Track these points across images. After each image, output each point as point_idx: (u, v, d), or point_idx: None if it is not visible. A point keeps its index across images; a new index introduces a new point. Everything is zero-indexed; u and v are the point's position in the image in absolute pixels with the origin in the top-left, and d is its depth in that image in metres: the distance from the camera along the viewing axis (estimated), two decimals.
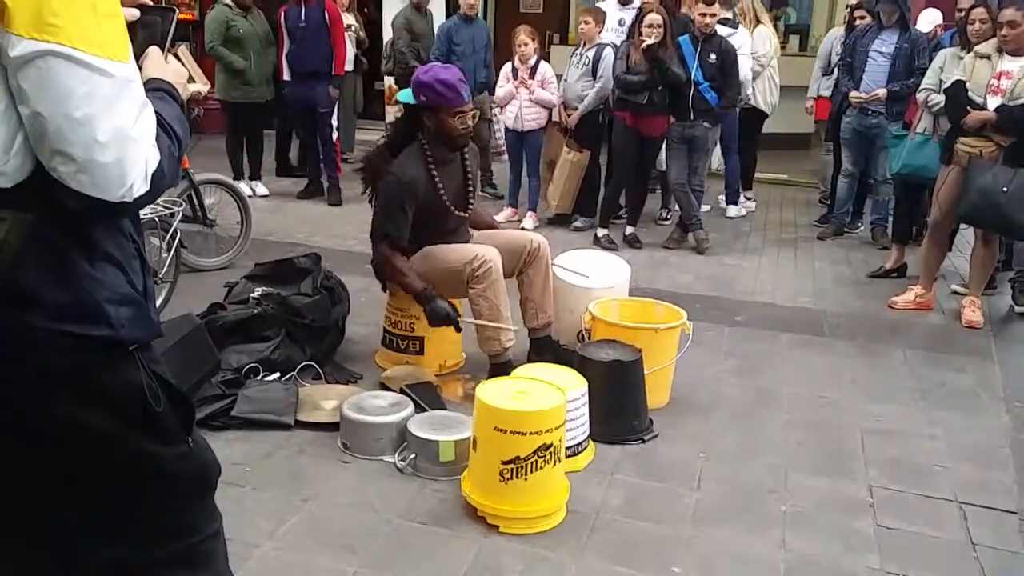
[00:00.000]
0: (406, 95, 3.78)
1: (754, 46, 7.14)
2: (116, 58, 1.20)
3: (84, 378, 1.31)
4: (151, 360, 1.40)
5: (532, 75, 6.65)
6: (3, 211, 1.20)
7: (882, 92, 6.20)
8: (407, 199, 3.66)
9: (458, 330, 3.76)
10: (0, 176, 1.20)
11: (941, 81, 5.16)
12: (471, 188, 3.89)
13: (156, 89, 1.42)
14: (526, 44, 6.60)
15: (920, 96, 5.48)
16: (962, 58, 5.05)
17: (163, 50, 1.52)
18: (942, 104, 5.14)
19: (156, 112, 1.29)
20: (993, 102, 4.71)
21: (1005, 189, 4.57)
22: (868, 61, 6.29)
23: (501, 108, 6.84)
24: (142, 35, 1.49)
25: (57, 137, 1.16)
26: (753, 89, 7.15)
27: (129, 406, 1.36)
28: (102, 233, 1.31)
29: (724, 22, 6.71)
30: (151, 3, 1.53)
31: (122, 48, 1.22)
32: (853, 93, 6.33)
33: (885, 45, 6.25)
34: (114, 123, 1.18)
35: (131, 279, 1.35)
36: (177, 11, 1.62)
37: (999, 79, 4.71)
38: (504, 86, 6.75)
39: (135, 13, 1.42)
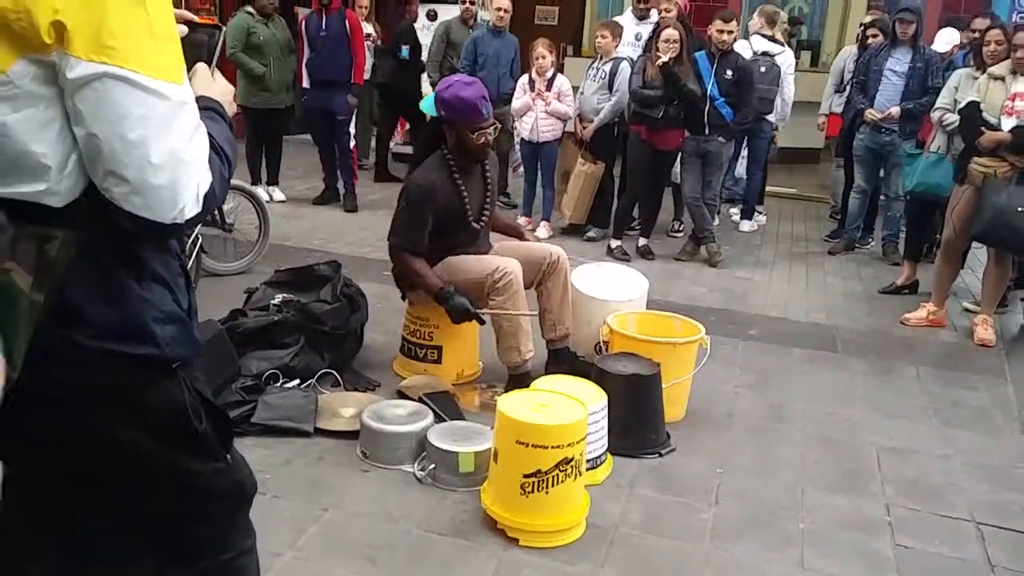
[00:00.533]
0: (428, 105, 3.81)
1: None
2: (172, 80, 1.21)
3: (127, 396, 1.32)
4: (193, 378, 1.41)
5: (549, 87, 6.69)
6: (54, 230, 1.20)
7: (895, 111, 6.25)
8: (428, 206, 3.69)
9: (481, 322, 3.77)
10: (53, 195, 1.20)
11: (956, 101, 5.18)
12: (489, 198, 3.92)
13: (205, 108, 1.43)
14: (544, 57, 6.64)
15: (935, 115, 5.50)
16: (976, 78, 5.08)
17: (210, 66, 1.54)
18: (956, 124, 5.16)
19: (208, 133, 1.31)
20: (1008, 123, 4.74)
21: (1020, 209, 4.58)
22: (882, 80, 6.35)
23: (517, 119, 6.87)
24: (190, 53, 1.52)
25: (111, 158, 1.17)
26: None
27: (171, 424, 1.37)
28: (150, 252, 1.32)
29: (770, 39, 6.81)
30: (199, 20, 1.55)
31: (178, 70, 1.23)
32: (868, 112, 6.37)
33: (899, 64, 6.30)
34: (168, 145, 1.19)
35: (176, 297, 1.36)
36: (223, 28, 1.64)
37: (1013, 100, 4.74)
38: (521, 98, 6.78)
39: (184, 30, 1.43)
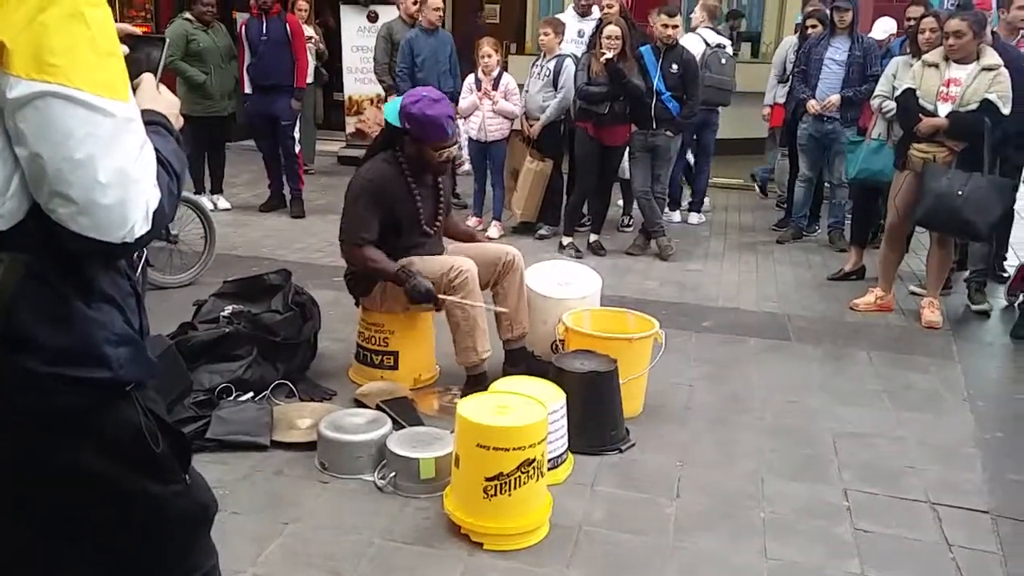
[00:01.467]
0: (392, 114, 3.75)
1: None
2: (117, 97, 1.18)
3: (82, 420, 1.28)
4: (148, 399, 1.37)
5: (495, 86, 6.66)
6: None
7: (835, 98, 6.39)
8: (378, 199, 3.66)
9: (438, 309, 3.73)
10: None
11: (894, 88, 5.28)
12: (442, 205, 3.89)
13: (151, 123, 1.39)
14: (489, 56, 6.62)
15: (874, 103, 5.62)
16: (912, 65, 5.18)
17: (156, 77, 1.50)
18: (895, 110, 5.27)
19: (155, 149, 1.27)
20: (944, 109, 4.83)
21: (960, 193, 4.68)
22: (823, 69, 6.48)
23: (464, 119, 6.83)
24: (132, 68, 1.47)
25: (56, 179, 1.14)
26: None
27: (128, 447, 1.33)
28: (99, 272, 1.29)
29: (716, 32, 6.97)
30: (140, 33, 1.51)
31: (123, 86, 1.20)
32: (811, 103, 6.49)
33: (838, 53, 6.45)
34: (115, 163, 1.16)
35: (128, 318, 1.33)
36: (168, 39, 1.60)
37: (948, 86, 4.84)
38: (467, 97, 6.75)
39: (126, 50, 1.39)
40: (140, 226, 1.21)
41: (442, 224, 3.90)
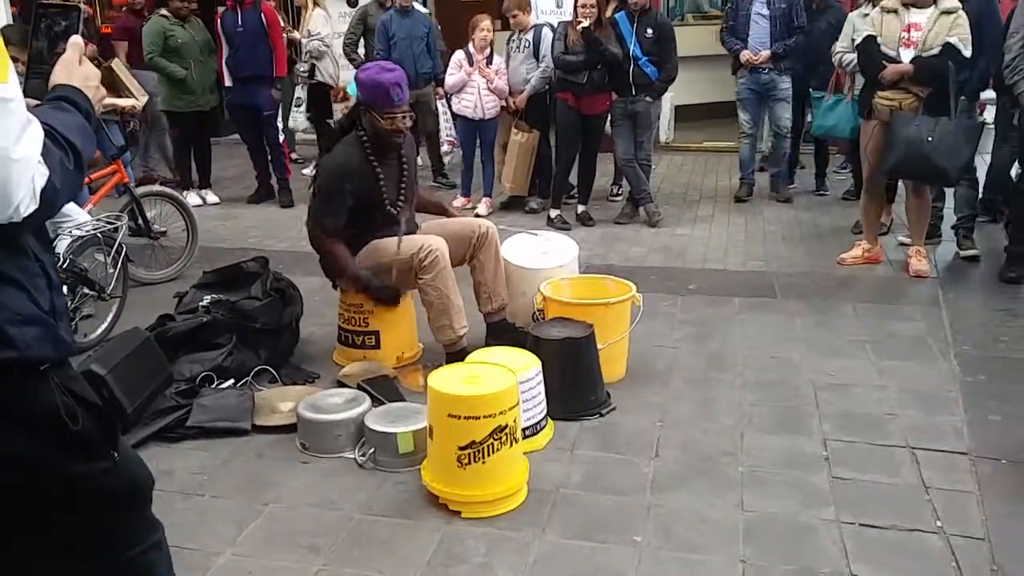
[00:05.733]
0: (353, 89, 3.79)
1: (315, 27, 7.79)
2: None
3: None
4: (67, 378, 1.39)
5: (488, 64, 6.63)
6: None
7: (766, 54, 6.62)
8: (342, 186, 3.67)
9: (396, 298, 3.81)
10: None
11: (853, 40, 5.24)
12: (406, 180, 3.89)
13: (56, 98, 1.40)
14: (489, 30, 6.57)
15: (835, 58, 5.63)
16: (867, 15, 5.14)
17: (59, 47, 1.50)
18: (855, 62, 5.25)
19: (48, 125, 1.28)
20: (907, 55, 4.78)
21: (929, 139, 4.65)
22: (751, 23, 6.68)
23: (455, 95, 6.79)
24: (44, 40, 1.48)
25: None
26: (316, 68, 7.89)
27: (45, 427, 1.34)
28: (0, 255, 1.29)
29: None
30: (51, 3, 1.51)
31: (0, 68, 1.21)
32: (745, 52, 6.66)
33: (763, 7, 6.64)
34: None
35: (35, 298, 1.34)
36: (80, 8, 1.60)
37: (909, 32, 4.79)
38: (455, 74, 6.70)
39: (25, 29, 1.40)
40: (27, 204, 1.22)
41: (408, 201, 3.89)
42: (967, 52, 4.67)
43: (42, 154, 1.25)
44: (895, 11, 4.84)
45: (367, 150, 3.71)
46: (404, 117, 3.70)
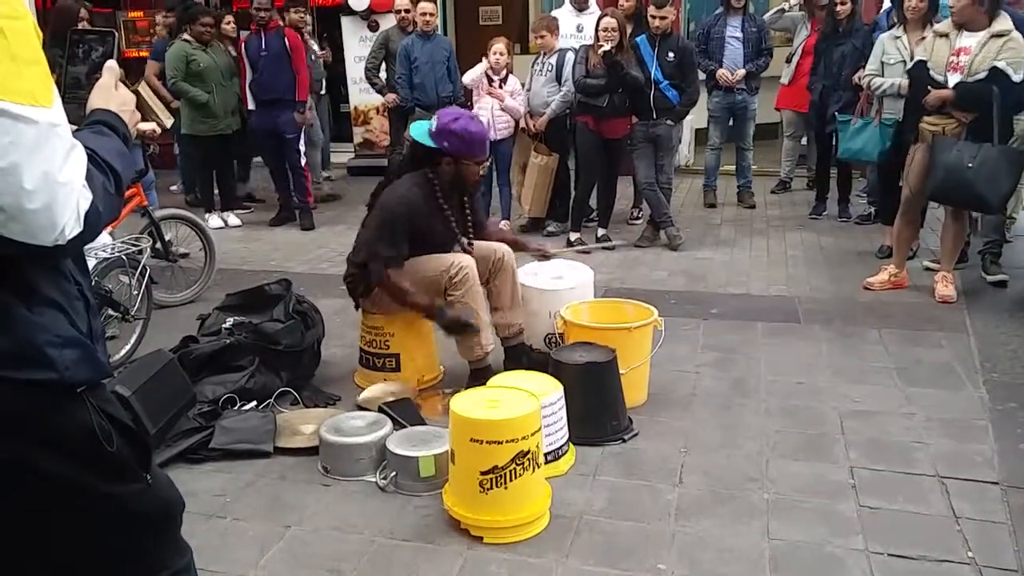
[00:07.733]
0: (421, 134, 3.79)
1: None
2: (39, 103, 1.19)
3: (33, 423, 1.29)
4: (102, 400, 1.39)
5: (502, 86, 6.66)
6: None
7: (741, 72, 7.22)
8: (407, 221, 3.68)
9: (476, 331, 3.71)
10: None
11: (883, 63, 5.23)
12: (470, 222, 3.95)
13: (95, 123, 1.42)
14: (502, 54, 6.60)
15: (864, 81, 5.61)
16: (898, 37, 5.12)
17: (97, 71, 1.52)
18: (885, 87, 5.23)
19: (90, 149, 1.29)
20: (953, 79, 4.74)
21: (970, 165, 4.60)
22: (725, 46, 7.26)
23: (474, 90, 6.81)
24: (82, 66, 1.50)
25: None
26: None
27: (82, 448, 1.34)
28: (40, 276, 1.30)
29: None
30: (84, 29, 1.53)
31: (45, 93, 1.21)
32: (721, 71, 7.24)
33: (735, 31, 7.25)
34: (41, 169, 1.17)
35: (74, 320, 1.34)
36: (115, 33, 1.63)
37: (958, 55, 4.75)
38: (473, 75, 6.71)
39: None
40: (71, 228, 1.22)
41: (476, 235, 3.96)
42: (1016, 77, 4.55)
43: (86, 178, 1.26)
44: (946, 35, 4.80)
45: (436, 190, 3.77)
46: (485, 165, 3.83)
